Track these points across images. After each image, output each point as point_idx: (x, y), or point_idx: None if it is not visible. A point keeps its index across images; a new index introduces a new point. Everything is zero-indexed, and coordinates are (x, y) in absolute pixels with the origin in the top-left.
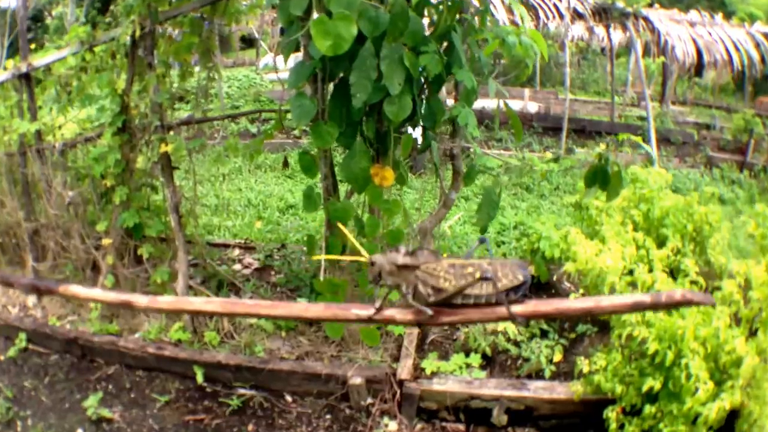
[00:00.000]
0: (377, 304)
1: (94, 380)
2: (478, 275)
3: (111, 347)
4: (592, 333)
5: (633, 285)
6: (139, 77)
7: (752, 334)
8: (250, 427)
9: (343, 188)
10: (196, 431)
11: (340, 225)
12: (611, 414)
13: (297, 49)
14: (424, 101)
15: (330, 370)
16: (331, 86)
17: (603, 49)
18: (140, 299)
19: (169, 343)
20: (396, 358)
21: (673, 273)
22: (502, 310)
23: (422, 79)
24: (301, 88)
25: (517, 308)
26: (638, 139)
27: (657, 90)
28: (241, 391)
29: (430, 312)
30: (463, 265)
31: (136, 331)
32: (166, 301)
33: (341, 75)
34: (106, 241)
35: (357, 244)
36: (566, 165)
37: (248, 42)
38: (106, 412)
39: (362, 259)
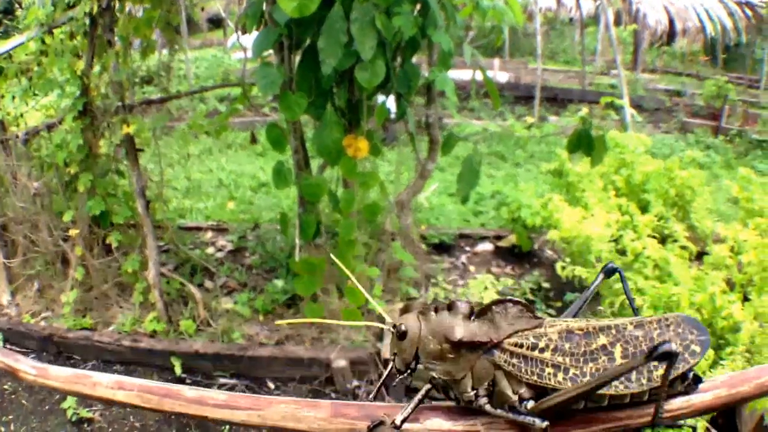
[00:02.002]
0: (405, 412)
1: None
2: (634, 359)
3: (86, 342)
4: None
5: (621, 252)
6: (99, 57)
7: (746, 299)
8: None
9: (315, 163)
10: (179, 427)
11: (336, 260)
12: None
13: (262, 21)
14: (399, 67)
15: (312, 353)
16: (299, 56)
17: (572, 19)
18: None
19: (144, 334)
20: (380, 337)
21: (660, 238)
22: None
23: (396, 44)
24: (267, 57)
25: (685, 400)
26: (622, 103)
27: (628, 58)
28: (222, 380)
29: (542, 423)
30: (589, 331)
31: (110, 324)
32: (60, 375)
33: (309, 42)
34: (73, 232)
35: (372, 301)
36: (546, 130)
37: (216, 23)
38: (85, 413)
39: (382, 325)
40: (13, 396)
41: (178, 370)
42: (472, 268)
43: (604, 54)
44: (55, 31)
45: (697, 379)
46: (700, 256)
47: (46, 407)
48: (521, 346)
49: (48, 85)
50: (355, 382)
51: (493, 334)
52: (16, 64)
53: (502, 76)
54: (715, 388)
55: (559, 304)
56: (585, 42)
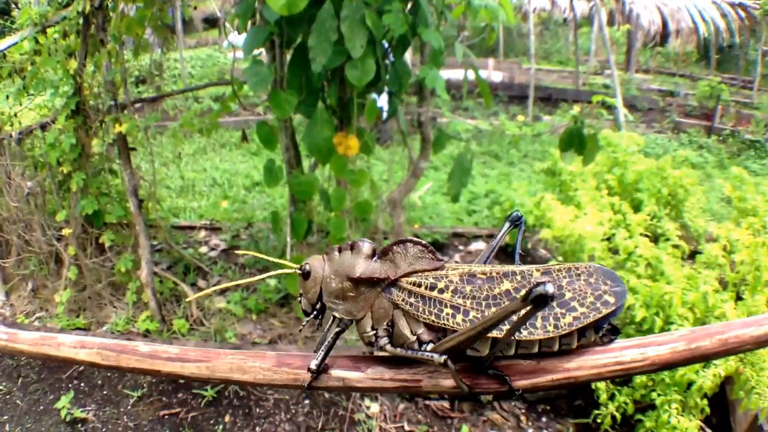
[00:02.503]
0: (319, 357)
1: (65, 379)
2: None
3: None
4: None
5: (614, 251)
6: (91, 56)
7: (739, 298)
8: (227, 418)
9: (307, 161)
10: (171, 426)
11: (244, 251)
12: (600, 384)
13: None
14: (389, 65)
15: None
16: (290, 54)
17: (565, 20)
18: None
19: (137, 334)
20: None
21: (652, 237)
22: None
23: (386, 42)
24: (258, 56)
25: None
26: (613, 101)
27: (621, 58)
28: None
29: (441, 358)
30: (492, 276)
31: (103, 324)
32: (27, 339)
33: (300, 40)
34: (66, 231)
35: (275, 260)
36: (539, 129)
37: (211, 22)
38: (79, 413)
39: (288, 270)
40: (8, 396)
41: None
42: None
43: (597, 54)
44: (48, 30)
45: (614, 330)
46: (692, 255)
47: (41, 407)
48: (419, 285)
49: (41, 85)
50: None
51: (391, 271)
52: (10, 64)
53: (496, 76)
54: (672, 342)
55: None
56: (579, 42)
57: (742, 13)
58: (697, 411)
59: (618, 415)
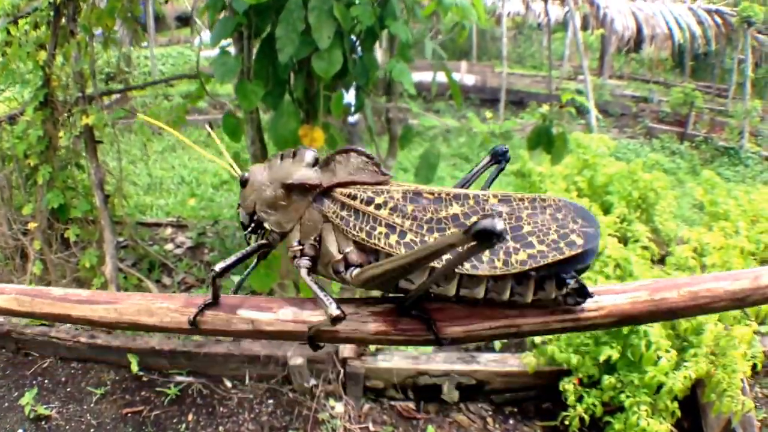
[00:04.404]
0: (228, 261)
1: (29, 375)
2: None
3: (43, 338)
4: None
5: None
6: (61, 48)
7: None
8: (190, 417)
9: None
10: (134, 424)
11: (209, 128)
12: (568, 386)
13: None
14: (357, 58)
15: (269, 350)
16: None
17: (539, 24)
18: None
19: (101, 330)
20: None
21: (622, 239)
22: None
23: (354, 36)
24: (226, 46)
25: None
26: (582, 100)
27: (594, 64)
28: (179, 378)
29: (335, 311)
30: (441, 197)
31: None
32: None
33: (268, 31)
34: (32, 225)
35: (228, 156)
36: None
37: (184, 21)
38: (43, 410)
39: (233, 172)
40: None
41: (134, 367)
42: None
43: (571, 60)
44: (20, 21)
45: (583, 291)
46: (662, 259)
47: (5, 404)
48: (354, 197)
49: (11, 76)
50: (313, 381)
51: (326, 179)
52: None
53: (468, 79)
54: (633, 291)
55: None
56: (552, 47)
57: (719, 20)
58: (668, 414)
59: (587, 417)
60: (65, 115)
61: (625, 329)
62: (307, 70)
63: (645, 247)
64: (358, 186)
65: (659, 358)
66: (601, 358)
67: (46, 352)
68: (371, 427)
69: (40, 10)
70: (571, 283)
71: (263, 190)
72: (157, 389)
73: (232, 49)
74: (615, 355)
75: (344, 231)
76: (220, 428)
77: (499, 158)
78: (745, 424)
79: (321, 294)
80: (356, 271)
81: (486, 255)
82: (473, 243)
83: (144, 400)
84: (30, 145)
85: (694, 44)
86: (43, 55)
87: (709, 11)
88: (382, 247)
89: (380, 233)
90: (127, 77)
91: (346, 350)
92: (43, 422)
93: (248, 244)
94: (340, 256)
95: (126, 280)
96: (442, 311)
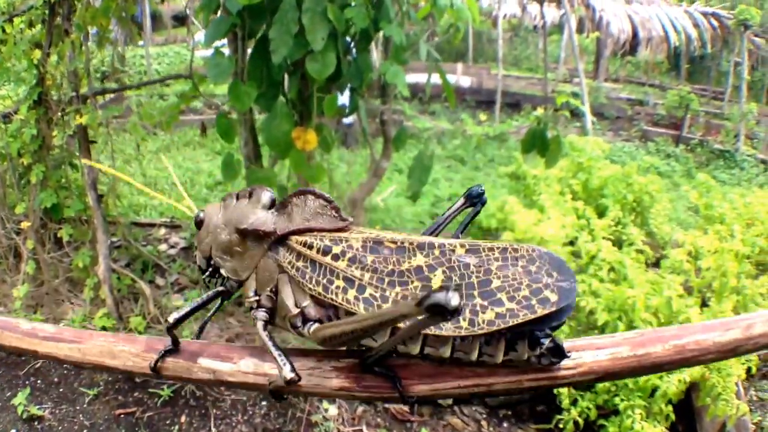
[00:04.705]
0: (181, 311)
1: (22, 375)
2: (436, 280)
3: None
4: None
5: (576, 255)
6: (56, 47)
7: (704, 304)
8: (183, 418)
9: (267, 156)
10: (127, 426)
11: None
12: (563, 389)
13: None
14: (351, 60)
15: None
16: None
17: (535, 27)
18: None
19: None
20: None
21: (616, 243)
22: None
23: (348, 38)
24: (220, 47)
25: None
26: (577, 103)
27: (590, 67)
28: (170, 380)
29: (289, 374)
30: (404, 246)
31: (60, 320)
32: None
33: (262, 32)
34: (25, 224)
35: (181, 188)
36: (501, 129)
37: (180, 20)
38: (36, 410)
39: (187, 212)
40: None
41: None
42: None
43: (567, 62)
44: (15, 19)
45: (558, 351)
46: (657, 262)
47: None
48: (311, 247)
49: (5, 74)
50: None
51: (282, 225)
52: None
53: (464, 81)
54: (614, 346)
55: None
56: (548, 50)
57: (716, 23)
58: (662, 417)
59: (581, 421)
60: (59, 114)
61: (620, 332)
62: (301, 72)
63: (640, 251)
64: (315, 233)
65: None
66: None
67: None
68: (365, 430)
69: (35, 8)
70: (546, 342)
71: (218, 234)
72: (150, 390)
73: (226, 50)
74: None
75: (300, 284)
76: (213, 430)
77: (475, 201)
78: (739, 427)
79: (276, 353)
80: (314, 326)
81: None
82: (425, 316)
83: (137, 402)
84: (24, 143)
85: (690, 47)
86: (37, 54)
87: (705, 14)
88: (340, 303)
89: (338, 287)
90: (122, 76)
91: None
92: (35, 423)
93: (207, 287)
94: (297, 311)
95: (119, 280)
96: (407, 368)
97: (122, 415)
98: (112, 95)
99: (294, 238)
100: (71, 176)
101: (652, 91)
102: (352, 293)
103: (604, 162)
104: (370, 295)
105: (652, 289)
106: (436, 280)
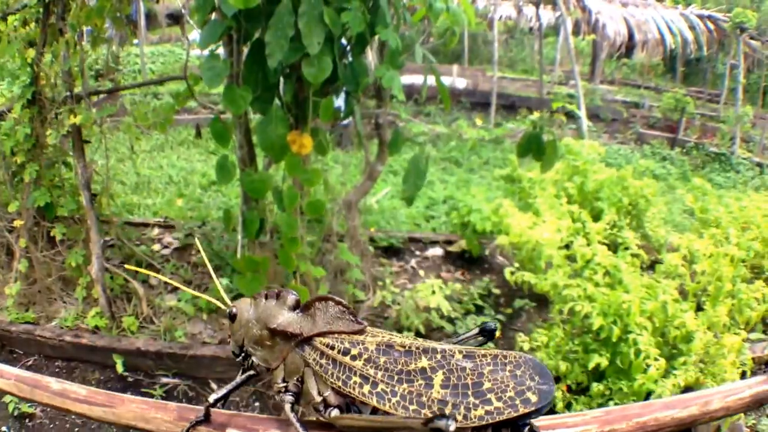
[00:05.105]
0: (221, 392)
1: None
2: (438, 396)
3: (28, 336)
4: (530, 308)
5: (572, 258)
6: (50, 46)
7: (699, 309)
8: None
9: (262, 160)
10: (119, 426)
11: (197, 243)
12: (557, 393)
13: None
14: (347, 64)
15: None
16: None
17: (531, 29)
18: None
19: (86, 330)
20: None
21: (612, 246)
22: None
23: (345, 41)
24: (215, 50)
25: None
26: (573, 107)
27: (586, 69)
28: (164, 379)
29: None
30: (411, 350)
31: (53, 319)
32: None
33: (257, 35)
34: (18, 223)
35: (219, 285)
36: (497, 133)
37: (175, 18)
38: (27, 408)
39: (221, 305)
40: None
41: (119, 367)
42: (421, 272)
43: (562, 64)
44: (9, 18)
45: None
46: (652, 265)
47: None
48: (332, 348)
49: (0, 73)
50: None
51: (306, 328)
52: None
53: (460, 83)
54: (585, 424)
55: (509, 311)
56: (544, 52)
57: (711, 26)
58: None
59: None
60: (53, 113)
61: (615, 336)
62: (297, 76)
63: (635, 255)
64: (336, 336)
65: (648, 366)
66: (590, 366)
67: (31, 350)
68: None
69: (29, 7)
70: (525, 430)
71: (250, 328)
72: (143, 390)
73: (221, 51)
74: (604, 362)
75: (323, 377)
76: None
77: (485, 335)
78: (734, 430)
79: (301, 430)
80: (335, 412)
81: (449, 408)
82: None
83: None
84: (17, 142)
85: (686, 50)
86: (31, 53)
87: (701, 17)
88: (356, 396)
89: (355, 382)
90: (116, 76)
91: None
92: (27, 420)
93: (242, 367)
94: (320, 398)
95: (112, 280)
96: None
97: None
98: (105, 94)
99: (318, 339)
100: (65, 175)
101: (647, 93)
102: (366, 388)
103: (600, 165)
104: (382, 390)
105: (648, 293)
106: (437, 380)
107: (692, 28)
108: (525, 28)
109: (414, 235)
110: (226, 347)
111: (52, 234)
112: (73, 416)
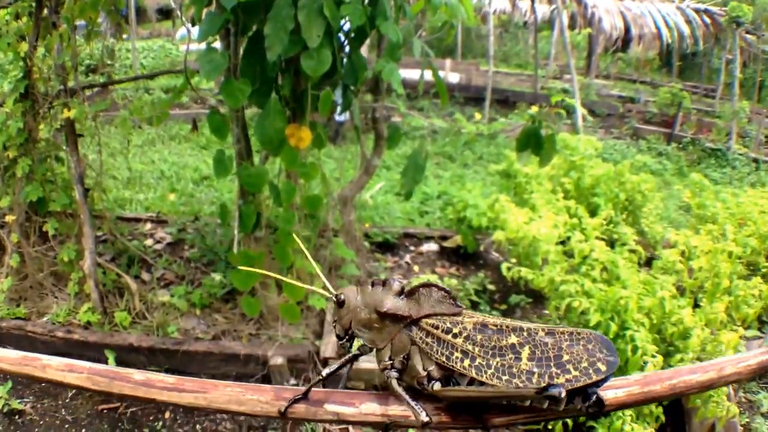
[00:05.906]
0: (333, 366)
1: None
2: (526, 368)
3: (19, 332)
4: (525, 304)
5: (569, 254)
6: (43, 39)
7: (696, 305)
8: (167, 414)
9: (258, 154)
10: (110, 421)
11: (295, 236)
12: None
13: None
14: (345, 57)
15: (249, 350)
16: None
17: (526, 23)
18: None
19: (78, 325)
20: (319, 335)
21: (608, 242)
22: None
23: (343, 35)
24: (212, 42)
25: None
26: (571, 101)
27: (581, 63)
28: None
29: (425, 418)
30: (502, 328)
31: (44, 314)
32: (8, 357)
33: (256, 28)
34: (10, 218)
35: (319, 271)
36: (495, 128)
37: (165, 13)
38: (17, 404)
39: (326, 293)
40: None
41: (111, 363)
42: (416, 267)
43: (557, 59)
44: (0, 11)
45: (600, 404)
46: (649, 261)
47: None
48: (437, 327)
49: None
50: (293, 381)
51: (414, 311)
52: None
53: (453, 77)
54: (629, 386)
55: (504, 307)
56: (539, 46)
57: (708, 20)
58: (652, 419)
59: (570, 422)
60: (46, 107)
61: (612, 333)
62: (295, 69)
63: (632, 251)
64: (439, 317)
65: (645, 362)
66: None
67: (22, 345)
68: (351, 429)
69: (21, 0)
70: (593, 398)
71: (358, 313)
72: None
73: (218, 44)
74: None
75: (428, 354)
76: (198, 427)
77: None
78: (729, 429)
79: (412, 403)
80: (437, 385)
81: (535, 378)
82: (542, 399)
83: (120, 397)
84: (9, 136)
85: (682, 44)
86: (24, 47)
87: (697, 11)
88: (458, 369)
89: (456, 357)
90: (109, 70)
91: (327, 350)
92: (16, 417)
93: (343, 349)
94: (424, 373)
95: (105, 275)
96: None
97: (105, 410)
98: (98, 88)
99: (424, 320)
100: (57, 170)
101: (643, 88)
102: (467, 362)
103: (596, 160)
104: (479, 363)
105: (645, 289)
106: (525, 354)
107: (688, 22)
108: (519, 22)
109: (408, 230)
110: (219, 342)
111: (44, 229)
112: (63, 412)
